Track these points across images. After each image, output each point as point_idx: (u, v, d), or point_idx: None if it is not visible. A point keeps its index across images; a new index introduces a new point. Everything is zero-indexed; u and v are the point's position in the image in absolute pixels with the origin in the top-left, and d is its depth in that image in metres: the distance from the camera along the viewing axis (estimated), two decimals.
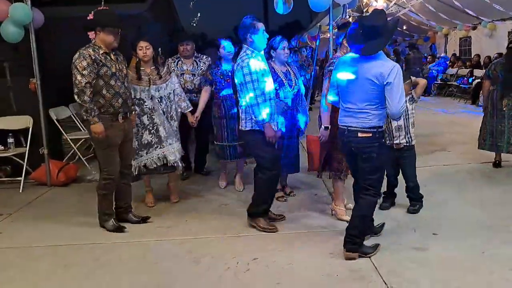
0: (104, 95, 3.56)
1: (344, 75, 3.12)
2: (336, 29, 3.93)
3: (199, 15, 5.22)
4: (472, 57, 13.17)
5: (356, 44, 3.02)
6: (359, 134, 3.07)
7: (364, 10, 10.77)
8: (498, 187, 4.57)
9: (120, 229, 3.75)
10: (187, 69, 4.91)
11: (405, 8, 11.49)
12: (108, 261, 3.28)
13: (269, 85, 3.52)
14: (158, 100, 4.10)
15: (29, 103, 5.27)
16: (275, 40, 4.11)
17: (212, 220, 3.99)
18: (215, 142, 4.74)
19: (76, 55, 3.48)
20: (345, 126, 3.15)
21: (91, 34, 4.50)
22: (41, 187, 5.15)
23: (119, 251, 3.44)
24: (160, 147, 4.12)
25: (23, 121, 5.34)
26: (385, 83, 2.92)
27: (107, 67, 3.55)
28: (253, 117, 3.47)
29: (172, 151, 4.16)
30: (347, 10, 5.61)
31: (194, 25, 5.29)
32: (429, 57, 14.74)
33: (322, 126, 3.70)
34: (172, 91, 4.22)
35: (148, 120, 4.09)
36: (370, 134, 3.05)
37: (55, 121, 5.71)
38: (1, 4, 4.85)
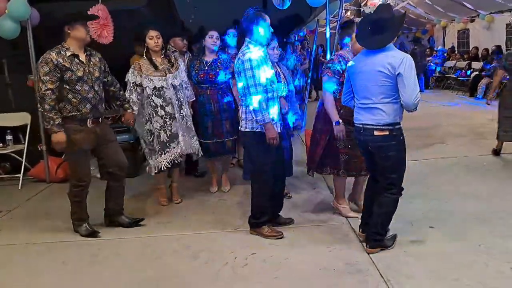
0: (70, 100, 3.39)
1: (357, 72, 3.11)
2: (340, 29, 3.84)
3: (195, 8, 5.15)
4: (470, 49, 13.16)
5: (365, 39, 3.04)
6: (376, 133, 3.02)
7: (362, 4, 10.75)
8: (495, 180, 4.60)
9: (93, 234, 3.62)
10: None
11: (403, 1, 11.45)
12: (106, 257, 3.31)
13: (271, 82, 3.37)
14: (176, 87, 4.02)
15: (28, 100, 5.28)
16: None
17: (210, 215, 4.01)
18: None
19: (40, 60, 3.34)
20: (361, 124, 3.10)
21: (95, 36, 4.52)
22: (40, 184, 5.17)
23: (117, 246, 3.46)
24: (181, 137, 4.03)
25: (21, 118, 5.35)
26: (396, 73, 2.91)
27: (71, 72, 3.35)
28: (253, 117, 3.28)
29: (191, 144, 4.14)
30: (344, 4, 5.60)
31: (191, 20, 5.25)
32: (427, 50, 14.71)
33: (333, 123, 3.51)
34: (183, 79, 4.14)
35: (171, 109, 4.00)
36: (387, 132, 3.00)
37: None
38: None
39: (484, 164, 5.19)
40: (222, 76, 4.32)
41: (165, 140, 4.01)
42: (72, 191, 3.59)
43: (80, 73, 3.39)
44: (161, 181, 4.29)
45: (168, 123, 4.00)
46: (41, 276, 3.09)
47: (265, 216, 3.48)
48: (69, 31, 3.36)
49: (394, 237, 3.25)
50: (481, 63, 11.52)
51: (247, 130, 3.39)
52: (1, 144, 5.20)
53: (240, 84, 3.34)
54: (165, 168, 4.06)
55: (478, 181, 4.59)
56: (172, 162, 4.06)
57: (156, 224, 3.85)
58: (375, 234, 3.14)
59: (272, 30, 3.36)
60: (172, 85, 4.00)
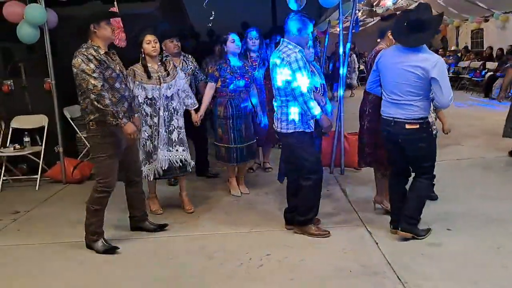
0: (110, 99, 3.23)
1: (388, 66, 3.15)
2: (381, 21, 3.86)
3: (213, 13, 5.17)
4: (485, 49, 13.01)
5: (401, 36, 3.07)
6: (407, 126, 3.10)
7: (374, 4, 10.70)
8: None
9: (112, 250, 3.37)
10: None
11: (415, 1, 11.36)
12: (121, 257, 3.34)
13: (312, 81, 3.39)
14: (168, 98, 3.87)
15: (44, 102, 5.37)
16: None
17: (223, 216, 4.03)
18: (217, 144, 4.41)
19: (78, 59, 3.14)
20: (391, 117, 3.17)
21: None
22: (56, 185, 5.25)
23: (132, 247, 3.49)
24: (173, 148, 3.93)
25: (38, 120, 5.43)
26: (430, 77, 2.96)
27: (111, 69, 3.25)
28: (308, 114, 3.23)
29: (174, 157, 3.94)
30: (357, 4, 5.57)
31: (210, 25, 5.29)
32: (440, 50, 14.58)
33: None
34: (180, 88, 3.97)
35: (158, 121, 3.86)
36: (418, 126, 3.10)
37: (69, 119, 5.79)
38: (16, 6, 4.92)
39: (501, 165, 5.13)
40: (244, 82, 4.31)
41: (150, 151, 3.92)
42: (95, 198, 3.35)
43: (117, 71, 3.30)
44: (150, 189, 4.16)
45: (154, 134, 3.89)
46: (58, 275, 3.14)
47: (312, 213, 3.47)
48: (95, 30, 3.23)
49: (428, 230, 3.31)
50: (496, 63, 11.38)
51: (290, 131, 3.32)
52: (18, 146, 5.27)
53: (280, 84, 3.27)
54: (153, 177, 3.96)
55: (495, 183, 4.54)
56: (160, 172, 3.92)
57: (170, 225, 3.86)
58: (408, 218, 3.20)
59: (311, 37, 3.39)
60: (165, 95, 3.84)
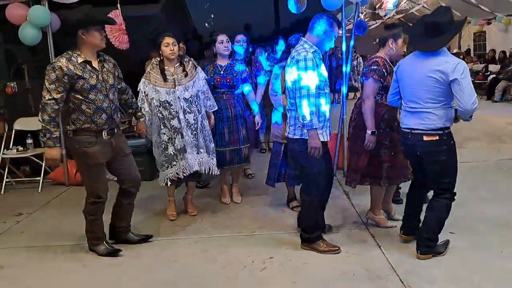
0: (84, 110, 3.12)
1: (406, 73, 3.03)
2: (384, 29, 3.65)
3: (212, 16, 5.20)
4: (487, 52, 13.01)
5: (418, 41, 2.96)
6: (425, 138, 2.93)
7: (377, 6, 10.71)
8: None
9: (115, 253, 3.36)
10: None
11: (418, 4, 11.38)
12: (125, 259, 3.34)
13: (325, 85, 3.16)
14: (188, 100, 3.76)
15: None
16: (292, 38, 3.89)
17: (226, 219, 4.03)
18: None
19: (48, 65, 3.07)
20: (409, 128, 3.01)
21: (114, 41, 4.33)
22: (59, 187, 5.25)
23: (135, 249, 3.49)
24: (189, 154, 3.79)
25: None
26: (450, 80, 2.81)
27: (83, 80, 3.08)
28: (299, 120, 3.04)
29: (201, 160, 3.84)
30: (360, 7, 5.59)
31: (209, 26, 5.31)
32: None
33: (368, 131, 3.36)
34: (199, 89, 3.87)
35: (178, 123, 3.75)
36: (437, 137, 2.92)
37: None
38: (20, 8, 4.94)
39: (503, 168, 5.12)
40: (238, 84, 4.19)
41: (172, 153, 3.80)
42: (89, 208, 3.31)
43: (93, 81, 3.13)
44: (170, 193, 4.10)
45: (173, 136, 3.77)
46: (62, 278, 3.14)
47: (319, 230, 3.28)
48: (83, 36, 3.10)
49: (446, 243, 3.17)
50: (498, 66, 11.37)
51: (296, 136, 3.16)
52: (21, 148, 5.29)
53: (289, 84, 3.15)
54: (171, 181, 3.87)
55: (498, 186, 4.53)
56: (180, 176, 3.83)
57: (173, 228, 3.88)
58: (427, 240, 3.05)
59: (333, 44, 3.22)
60: (182, 98, 3.74)
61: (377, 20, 10.99)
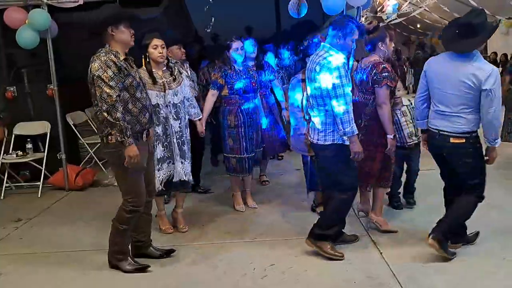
0: (130, 110, 2.96)
1: (437, 75, 3.01)
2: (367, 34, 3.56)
3: (213, 19, 5.17)
4: (489, 55, 12.99)
5: (451, 42, 2.95)
6: (452, 140, 2.95)
7: (378, 9, 10.71)
8: None
9: (143, 269, 3.14)
10: None
11: (420, 7, 11.37)
12: None
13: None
14: (176, 105, 3.62)
15: (47, 108, 5.37)
16: (309, 45, 3.88)
17: (227, 225, 4.00)
18: (227, 155, 4.21)
19: (97, 64, 2.85)
20: (436, 129, 3.03)
21: None
22: (59, 192, 5.22)
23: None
24: (172, 163, 3.64)
25: (41, 127, 5.42)
26: (482, 88, 2.80)
27: (131, 77, 2.96)
28: (340, 128, 3.00)
29: (183, 171, 3.68)
30: (362, 10, 5.56)
31: (208, 30, 5.29)
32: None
33: (390, 136, 3.38)
34: (185, 95, 3.74)
35: (161, 130, 3.57)
36: (464, 140, 2.94)
37: (72, 126, 5.79)
38: (18, 12, 4.92)
39: (504, 172, 5.08)
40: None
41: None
42: (125, 218, 3.06)
43: (137, 78, 3.02)
44: (159, 207, 3.86)
45: (155, 143, 3.52)
46: (62, 285, 3.12)
47: (333, 230, 3.23)
48: (113, 33, 2.92)
49: (454, 253, 3.12)
50: (500, 69, 11.35)
51: (328, 143, 3.11)
52: (21, 153, 5.27)
53: (318, 92, 3.07)
54: (159, 192, 3.63)
55: (500, 192, 4.48)
56: (159, 187, 3.60)
57: (173, 234, 3.84)
58: (443, 230, 3.03)
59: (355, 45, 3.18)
60: (172, 103, 3.58)
61: (378, 24, 11.05)
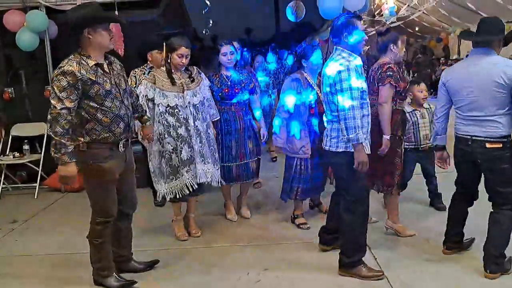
0: (100, 120, 2.76)
1: (462, 85, 2.95)
2: (378, 37, 3.58)
3: (211, 22, 5.18)
4: None
5: (473, 38, 2.96)
6: (488, 145, 2.85)
7: (376, 13, 10.70)
8: None
9: (130, 286, 3.01)
10: None
11: (418, 11, 11.37)
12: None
13: (364, 95, 3.00)
14: (196, 106, 3.58)
15: (44, 110, 5.33)
16: (305, 48, 3.79)
17: (222, 229, 4.00)
18: None
19: (57, 70, 2.67)
20: (468, 135, 2.94)
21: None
22: (55, 193, 5.23)
23: None
24: (194, 165, 3.57)
25: (38, 128, 5.42)
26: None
27: (98, 85, 2.73)
28: (344, 134, 2.87)
29: (208, 171, 3.62)
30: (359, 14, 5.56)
31: (207, 33, 5.30)
32: (442, 59, 14.58)
33: (386, 136, 3.34)
34: (205, 96, 3.70)
35: (185, 131, 3.52)
36: (501, 145, 2.84)
37: None
38: (16, 15, 4.93)
39: None
40: (246, 95, 4.03)
41: (176, 165, 3.54)
42: (96, 230, 2.91)
43: (108, 86, 2.78)
44: (176, 211, 3.81)
45: (180, 146, 3.52)
46: None
47: (361, 252, 3.02)
48: (89, 36, 2.70)
49: (510, 259, 3.00)
50: None
51: (340, 150, 2.96)
52: (18, 154, 5.27)
53: (331, 97, 2.95)
54: (172, 197, 3.61)
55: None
56: (185, 191, 3.57)
57: (167, 238, 3.83)
58: (496, 258, 2.88)
59: (365, 36, 3.01)
60: (192, 103, 3.56)
61: (376, 27, 11.03)
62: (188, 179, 3.55)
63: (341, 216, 3.02)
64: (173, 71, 3.55)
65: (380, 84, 3.37)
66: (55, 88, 2.64)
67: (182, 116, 3.52)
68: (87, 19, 2.70)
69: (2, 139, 5.43)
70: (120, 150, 2.88)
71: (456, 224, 3.22)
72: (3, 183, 5.27)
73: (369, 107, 3.03)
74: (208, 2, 4.93)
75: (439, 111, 3.17)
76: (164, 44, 3.54)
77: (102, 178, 2.82)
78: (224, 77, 3.97)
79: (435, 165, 3.69)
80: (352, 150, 2.90)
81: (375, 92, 3.46)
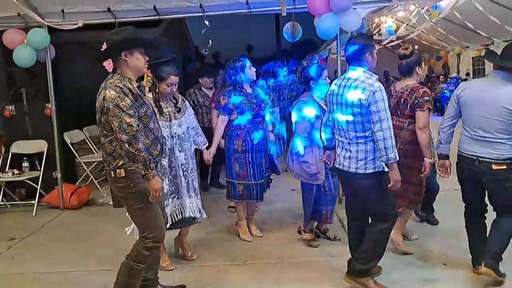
0: (143, 142, 2.64)
1: (475, 101, 2.98)
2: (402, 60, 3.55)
3: (210, 42, 5.26)
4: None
5: (498, 62, 2.99)
6: (494, 167, 2.92)
7: (375, 32, 10.86)
8: None
9: None
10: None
11: (417, 29, 11.53)
12: None
13: None
14: (180, 137, 3.48)
15: (45, 127, 5.42)
16: (310, 68, 3.76)
17: (218, 247, 3.99)
18: (232, 181, 4.00)
19: (112, 91, 2.56)
20: (474, 155, 2.98)
21: (107, 65, 4.13)
22: (53, 211, 5.23)
23: None
24: (178, 198, 3.49)
25: (38, 145, 5.47)
26: None
27: (146, 106, 2.71)
28: (383, 154, 2.80)
29: (191, 206, 3.54)
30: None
31: (206, 52, 5.38)
32: (441, 77, 14.70)
33: (429, 160, 3.37)
34: (189, 125, 3.61)
35: (167, 163, 3.42)
36: (505, 166, 2.91)
37: (69, 144, 5.83)
38: (17, 34, 5.00)
39: None
40: (267, 110, 4.07)
41: None
42: (144, 256, 2.73)
43: (151, 108, 2.80)
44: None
45: (161, 178, 3.27)
46: None
47: (374, 263, 3.04)
48: (126, 59, 2.67)
49: (504, 274, 3.05)
50: None
51: (369, 171, 2.90)
52: (17, 171, 5.30)
53: (358, 118, 2.87)
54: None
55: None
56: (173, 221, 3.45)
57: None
58: (493, 253, 2.97)
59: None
60: (177, 134, 3.46)
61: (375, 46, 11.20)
62: (167, 212, 3.36)
63: (367, 231, 3.01)
64: (160, 99, 3.45)
65: (419, 109, 3.36)
66: (122, 107, 2.55)
67: (167, 147, 3.39)
68: (124, 42, 2.67)
69: (2, 156, 5.46)
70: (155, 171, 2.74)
71: (477, 242, 3.20)
72: (2, 200, 5.30)
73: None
74: (207, 23, 5.01)
75: (446, 121, 3.20)
76: (150, 71, 3.34)
77: (146, 199, 2.67)
78: (248, 94, 3.92)
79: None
80: (380, 170, 2.89)
81: (405, 115, 3.46)
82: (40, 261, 3.85)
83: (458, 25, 10.99)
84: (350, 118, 2.89)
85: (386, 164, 2.85)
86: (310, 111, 3.69)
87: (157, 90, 3.41)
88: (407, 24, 12.03)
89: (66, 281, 3.46)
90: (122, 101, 2.55)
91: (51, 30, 5.11)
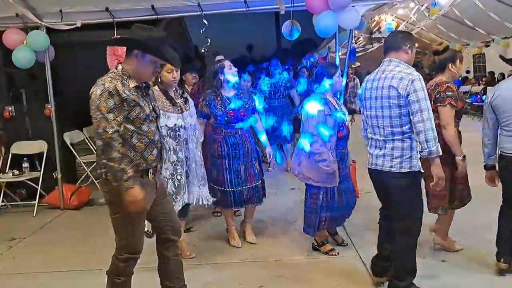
0: (134, 145, 2.50)
1: (508, 100, 2.99)
2: (435, 56, 3.46)
3: (209, 41, 5.26)
4: (487, 74, 13.11)
5: None
6: None
7: (374, 30, 10.85)
8: None
9: None
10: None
11: (416, 27, 11.52)
12: None
13: None
14: (191, 128, 3.49)
15: (44, 128, 5.44)
16: (327, 67, 3.61)
17: (218, 245, 4.00)
18: (213, 186, 3.82)
19: (98, 90, 2.38)
20: None
21: (110, 62, 3.94)
22: (54, 211, 5.25)
23: None
24: (188, 187, 3.49)
25: (38, 146, 5.49)
26: None
27: (140, 108, 2.50)
28: (424, 147, 2.61)
29: (202, 195, 3.55)
30: (357, 31, 5.67)
31: (205, 51, 5.37)
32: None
33: (459, 157, 3.24)
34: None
35: (187, 153, 3.45)
36: None
37: (69, 145, 5.84)
38: (17, 34, 5.01)
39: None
40: (251, 117, 3.88)
41: (171, 192, 3.35)
42: (118, 267, 2.61)
43: (147, 110, 2.55)
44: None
45: (178, 171, 3.38)
46: None
47: (413, 275, 2.82)
48: (136, 59, 2.49)
49: None
50: None
51: (404, 170, 2.70)
52: (17, 172, 5.31)
53: (394, 113, 2.69)
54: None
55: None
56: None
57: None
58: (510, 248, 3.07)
59: None
60: (190, 124, 3.46)
61: (374, 44, 11.15)
62: (183, 202, 3.41)
63: (398, 239, 2.81)
64: (167, 90, 3.42)
65: (440, 104, 3.22)
66: (102, 109, 2.37)
67: (183, 138, 3.40)
68: (143, 43, 2.47)
69: (2, 157, 5.47)
70: (150, 177, 2.60)
71: (507, 237, 3.22)
72: (2, 201, 5.30)
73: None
74: (205, 22, 5.01)
75: (489, 133, 3.21)
76: None
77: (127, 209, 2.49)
78: (226, 99, 3.76)
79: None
80: (416, 170, 2.71)
81: (433, 111, 3.36)
82: (40, 261, 3.86)
83: (458, 22, 10.97)
84: (387, 111, 2.71)
85: (428, 159, 2.65)
86: (321, 109, 3.48)
87: (159, 80, 3.36)
88: (407, 22, 12.03)
89: (66, 281, 3.47)
90: (103, 103, 2.37)
91: (50, 30, 5.12)
